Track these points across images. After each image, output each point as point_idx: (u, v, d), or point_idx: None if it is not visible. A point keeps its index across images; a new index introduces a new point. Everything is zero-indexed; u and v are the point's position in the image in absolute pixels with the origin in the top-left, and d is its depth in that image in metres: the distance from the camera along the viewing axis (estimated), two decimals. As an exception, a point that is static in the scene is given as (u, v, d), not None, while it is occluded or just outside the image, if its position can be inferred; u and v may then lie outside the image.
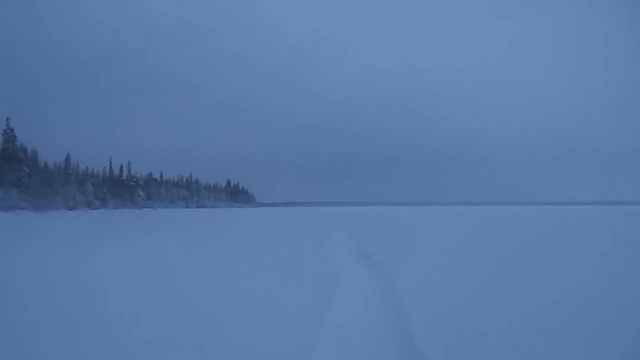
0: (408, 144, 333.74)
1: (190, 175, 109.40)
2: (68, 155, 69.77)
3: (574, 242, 16.02)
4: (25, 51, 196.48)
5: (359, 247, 14.65)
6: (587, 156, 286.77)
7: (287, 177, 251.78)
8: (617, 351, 4.24)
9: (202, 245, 16.01)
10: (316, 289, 7.71)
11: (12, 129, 56.85)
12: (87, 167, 76.47)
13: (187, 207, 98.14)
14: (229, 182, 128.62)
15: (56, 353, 4.53)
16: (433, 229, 25.75)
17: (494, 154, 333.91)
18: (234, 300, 6.85)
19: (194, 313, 6.04)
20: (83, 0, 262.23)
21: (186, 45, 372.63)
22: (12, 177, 53.40)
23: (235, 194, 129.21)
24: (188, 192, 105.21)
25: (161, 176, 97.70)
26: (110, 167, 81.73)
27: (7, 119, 56.76)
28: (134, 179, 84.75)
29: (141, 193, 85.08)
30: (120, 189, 80.00)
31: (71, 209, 63.43)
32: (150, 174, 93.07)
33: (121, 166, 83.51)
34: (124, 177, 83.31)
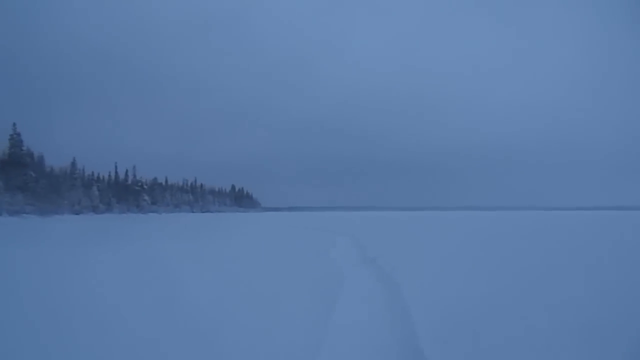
0: (411, 148, 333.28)
1: (195, 179, 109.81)
2: (74, 159, 70.38)
3: (579, 247, 15.91)
4: (31, 57, 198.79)
5: (363, 252, 14.64)
6: (594, 161, 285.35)
7: (291, 181, 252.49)
8: (616, 351, 4.22)
9: (207, 250, 16.04)
10: (321, 295, 7.72)
11: (18, 134, 57.44)
12: (92, 172, 76.99)
13: (192, 212, 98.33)
14: (233, 187, 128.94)
15: (56, 353, 4.56)
16: (436, 234, 25.66)
17: (497, 158, 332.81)
18: (238, 305, 6.87)
19: (198, 318, 6.06)
20: (90, 6, 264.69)
21: (190, 50, 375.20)
22: (18, 181, 53.82)
23: (240, 199, 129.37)
24: (193, 196, 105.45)
25: (166, 181, 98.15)
26: (116, 171, 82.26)
27: (14, 124, 57.42)
28: (139, 184, 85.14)
29: (146, 197, 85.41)
30: (125, 193, 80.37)
31: (77, 214, 63.75)
32: (155, 178, 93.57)
33: (126, 171, 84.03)
34: (129, 181, 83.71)
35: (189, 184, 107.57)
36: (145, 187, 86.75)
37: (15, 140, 56.99)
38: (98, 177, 77.76)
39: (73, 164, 69.99)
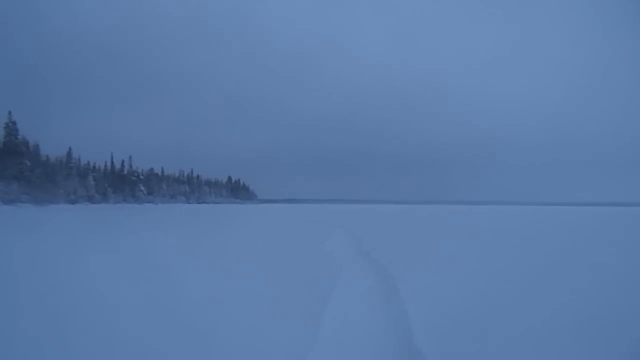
0: (409, 142, 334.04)
1: (192, 170, 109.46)
2: (70, 149, 69.87)
3: (573, 242, 16.03)
4: (27, 45, 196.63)
5: (359, 245, 14.69)
6: (588, 157, 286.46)
7: (288, 174, 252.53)
8: (616, 351, 4.27)
9: (203, 242, 16.06)
10: (315, 287, 7.76)
11: (14, 122, 56.93)
12: (88, 162, 76.44)
13: (188, 203, 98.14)
14: (230, 178, 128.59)
15: (54, 349, 4.58)
16: (432, 227, 25.77)
17: (495, 154, 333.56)
18: (232, 298, 6.89)
19: (192, 311, 6.09)
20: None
21: (188, 43, 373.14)
22: (13, 170, 53.49)
23: (236, 190, 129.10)
24: (189, 187, 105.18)
25: (162, 171, 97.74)
26: (112, 161, 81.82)
27: (9, 112, 56.85)
28: (136, 174, 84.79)
29: (142, 188, 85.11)
30: (121, 183, 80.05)
31: (72, 203, 63.49)
32: (152, 169, 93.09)
33: (123, 161, 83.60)
34: (126, 171, 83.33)
35: (186, 174, 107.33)
36: (141, 177, 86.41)
37: (11, 129, 56.51)
38: (94, 167, 77.33)
39: (69, 153, 69.57)
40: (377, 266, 10.10)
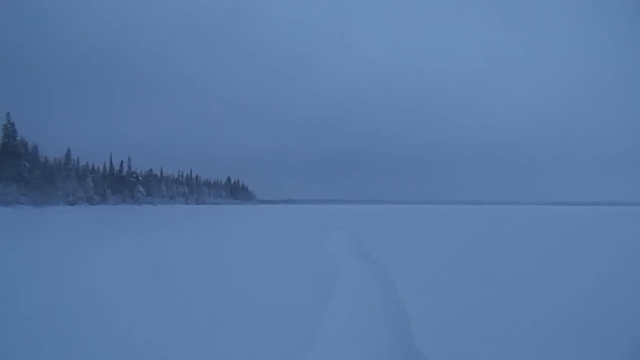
0: (408, 142, 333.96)
1: (191, 171, 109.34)
2: (68, 150, 69.70)
3: (573, 242, 16.04)
4: (26, 46, 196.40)
5: (358, 246, 14.70)
6: (587, 157, 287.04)
7: (287, 174, 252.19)
8: (616, 351, 4.28)
9: (203, 243, 16.05)
10: (315, 287, 7.76)
11: (12, 124, 56.78)
12: (87, 163, 76.33)
13: (187, 204, 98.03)
14: (229, 179, 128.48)
15: (54, 350, 4.57)
16: (432, 227, 25.76)
17: (494, 154, 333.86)
18: (232, 298, 6.89)
19: (192, 311, 6.08)
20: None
21: (188, 43, 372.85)
22: (12, 172, 53.38)
23: (235, 191, 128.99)
24: (188, 188, 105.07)
25: (161, 172, 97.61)
26: (111, 162, 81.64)
27: (8, 114, 56.70)
28: (134, 175, 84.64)
29: (141, 189, 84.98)
30: (120, 184, 79.91)
31: (71, 205, 63.37)
32: (151, 170, 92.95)
33: (121, 162, 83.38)
34: (124, 173, 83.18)
35: (184, 175, 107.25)
36: (140, 178, 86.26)
37: (9, 130, 56.36)
38: (93, 168, 77.22)
39: (67, 154, 69.39)
40: (377, 266, 10.10)
